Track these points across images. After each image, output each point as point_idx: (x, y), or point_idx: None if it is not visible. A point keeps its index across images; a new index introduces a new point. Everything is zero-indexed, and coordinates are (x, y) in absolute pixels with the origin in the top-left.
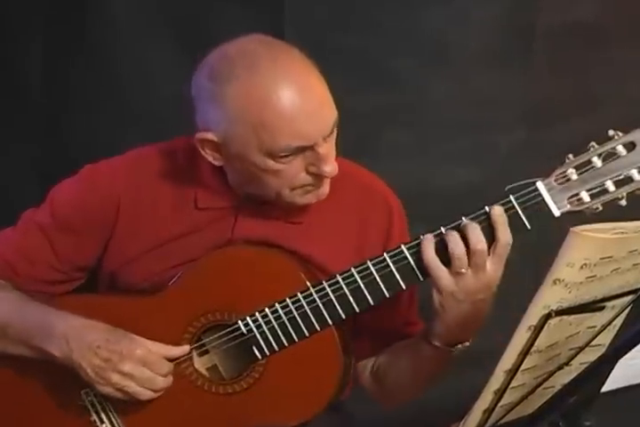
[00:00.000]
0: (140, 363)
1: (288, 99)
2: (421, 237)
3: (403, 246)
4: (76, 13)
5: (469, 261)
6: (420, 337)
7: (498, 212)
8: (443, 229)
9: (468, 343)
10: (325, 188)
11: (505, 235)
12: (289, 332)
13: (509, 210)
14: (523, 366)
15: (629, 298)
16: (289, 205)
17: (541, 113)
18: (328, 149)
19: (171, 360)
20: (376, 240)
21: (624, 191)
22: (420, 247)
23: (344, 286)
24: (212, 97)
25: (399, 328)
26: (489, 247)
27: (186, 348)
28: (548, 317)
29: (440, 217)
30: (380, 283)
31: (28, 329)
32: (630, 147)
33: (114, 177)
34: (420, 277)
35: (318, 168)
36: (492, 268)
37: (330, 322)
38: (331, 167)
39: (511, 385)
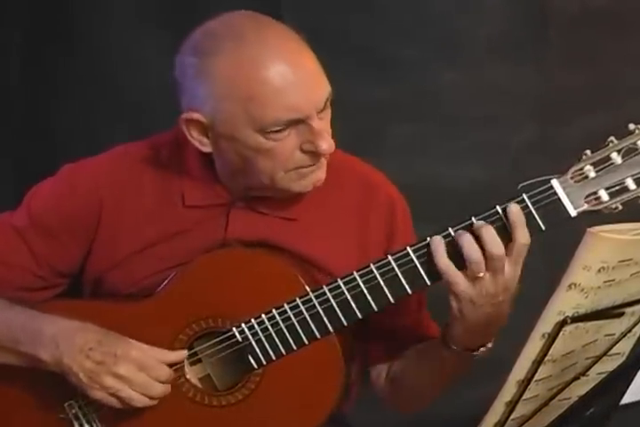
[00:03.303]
0: (136, 366)
1: (277, 69)
2: (428, 238)
3: (409, 249)
4: (60, 3)
5: (487, 266)
6: (438, 342)
7: (515, 210)
8: (451, 231)
9: (490, 344)
10: (321, 173)
11: (523, 236)
12: (287, 340)
13: (522, 210)
14: (536, 377)
15: None
16: (284, 195)
17: (555, 107)
18: (322, 125)
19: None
20: (378, 234)
21: None
22: (431, 251)
23: (345, 292)
24: (197, 73)
25: (412, 330)
26: (505, 248)
27: (182, 353)
28: (563, 324)
29: (446, 217)
30: (385, 288)
31: (13, 335)
32: None
33: (95, 177)
34: (428, 281)
35: (313, 145)
36: (511, 269)
37: (331, 329)
38: (327, 144)
39: (524, 397)
